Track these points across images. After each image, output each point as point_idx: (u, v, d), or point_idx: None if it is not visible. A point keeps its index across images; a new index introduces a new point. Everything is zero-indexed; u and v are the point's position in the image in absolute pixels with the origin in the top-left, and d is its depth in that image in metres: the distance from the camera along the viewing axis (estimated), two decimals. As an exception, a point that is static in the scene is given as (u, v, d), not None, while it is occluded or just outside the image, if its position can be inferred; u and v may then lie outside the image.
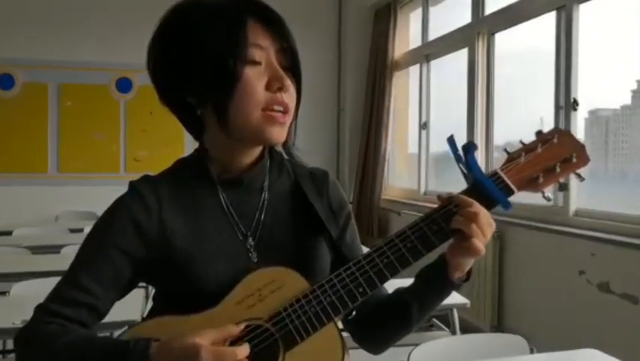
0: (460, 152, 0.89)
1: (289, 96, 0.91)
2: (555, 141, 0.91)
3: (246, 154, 0.96)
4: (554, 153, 0.90)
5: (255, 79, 0.87)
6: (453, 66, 4.40)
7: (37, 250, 3.28)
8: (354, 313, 0.98)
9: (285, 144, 0.98)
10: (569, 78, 3.06)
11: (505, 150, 0.93)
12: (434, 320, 2.90)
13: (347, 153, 5.60)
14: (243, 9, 0.88)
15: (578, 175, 0.91)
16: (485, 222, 0.85)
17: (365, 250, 1.00)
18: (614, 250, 2.62)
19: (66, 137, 5.23)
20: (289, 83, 0.90)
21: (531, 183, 0.90)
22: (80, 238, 1.02)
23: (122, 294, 0.93)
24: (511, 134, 3.72)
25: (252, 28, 0.88)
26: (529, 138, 0.94)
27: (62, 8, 5.12)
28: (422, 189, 4.80)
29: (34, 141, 5.16)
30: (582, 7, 3.05)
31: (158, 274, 0.93)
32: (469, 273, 0.93)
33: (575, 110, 3.04)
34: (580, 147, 0.91)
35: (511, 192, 0.89)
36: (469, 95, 3.99)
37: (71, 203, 5.10)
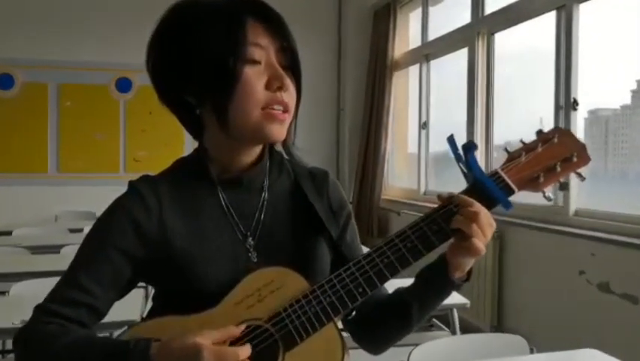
0: (460, 151, 0.89)
1: (289, 95, 0.90)
2: (556, 140, 0.90)
3: (246, 154, 0.95)
4: (555, 153, 0.90)
5: (254, 78, 0.87)
6: (453, 66, 4.40)
7: (36, 250, 3.28)
8: (354, 313, 0.98)
9: (284, 144, 0.98)
10: (569, 78, 3.06)
11: (506, 150, 0.93)
12: (434, 320, 2.90)
13: (347, 153, 5.60)
14: (243, 8, 0.88)
15: (579, 175, 0.91)
16: (486, 222, 0.84)
17: (365, 250, 1.00)
18: (614, 250, 2.62)
19: (66, 137, 5.22)
20: (289, 83, 0.90)
21: (531, 183, 0.90)
22: (80, 238, 1.02)
23: (121, 294, 0.93)
24: (511, 134, 3.72)
25: (252, 28, 0.87)
26: (529, 137, 0.94)
27: (62, 8, 5.12)
28: (422, 189, 4.80)
29: (34, 141, 5.16)
30: (582, 6, 3.05)
31: (157, 274, 0.93)
32: (469, 273, 0.92)
33: (575, 110, 3.04)
34: (580, 147, 0.90)
35: (512, 192, 0.89)
36: (469, 95, 3.99)
37: (71, 203, 5.11)
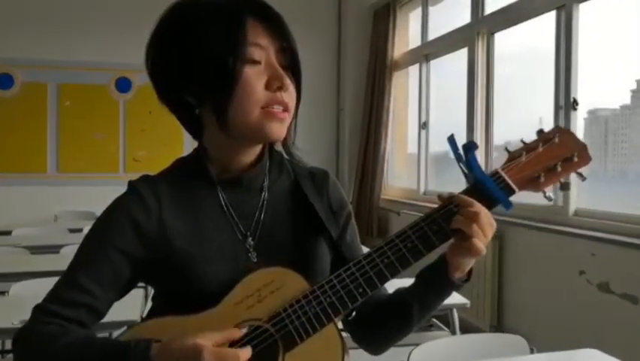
0: (461, 151, 0.89)
1: (289, 95, 0.90)
2: (556, 140, 0.90)
3: (246, 153, 0.95)
4: (555, 153, 0.90)
5: (254, 78, 0.87)
6: (452, 66, 4.40)
7: (36, 250, 3.28)
8: (354, 313, 0.97)
9: (284, 144, 0.98)
10: (569, 78, 3.06)
11: (506, 150, 0.92)
12: (434, 320, 2.90)
13: (346, 153, 5.60)
14: (243, 8, 0.88)
15: (580, 175, 0.91)
16: (486, 222, 0.84)
17: (365, 250, 1.00)
18: (614, 250, 2.62)
19: (65, 137, 5.22)
20: (289, 83, 0.90)
21: (532, 183, 0.90)
22: (79, 238, 1.02)
23: (120, 294, 0.93)
24: (511, 134, 3.72)
25: (252, 27, 0.87)
26: (529, 137, 0.94)
27: (62, 8, 5.12)
28: (422, 189, 4.80)
29: (34, 140, 5.16)
30: (582, 6, 3.05)
31: (157, 274, 0.93)
32: (469, 273, 0.92)
33: (575, 109, 3.04)
34: (581, 147, 0.90)
35: (512, 192, 0.88)
36: (469, 95, 3.99)
37: (70, 203, 5.10)
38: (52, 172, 5.20)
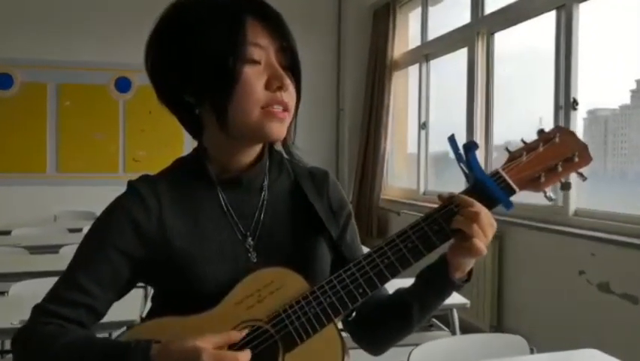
0: (461, 151, 0.89)
1: (289, 95, 0.90)
2: (557, 140, 0.90)
3: (246, 153, 0.95)
4: (556, 153, 0.90)
5: (254, 78, 0.87)
6: (452, 66, 4.40)
7: (35, 250, 3.28)
8: (354, 314, 0.97)
9: (284, 143, 0.98)
10: (569, 78, 3.06)
11: (507, 149, 0.92)
12: (434, 320, 2.90)
13: (346, 153, 5.60)
14: (243, 7, 0.88)
15: (580, 175, 0.91)
16: (486, 222, 0.84)
17: (365, 250, 1.00)
18: (614, 250, 2.62)
19: (65, 137, 5.22)
20: (289, 82, 0.90)
21: (533, 183, 0.89)
22: (79, 238, 1.02)
23: (120, 294, 0.93)
24: (511, 134, 3.73)
25: (252, 27, 0.87)
26: (528, 137, 0.94)
27: (62, 8, 5.12)
28: (421, 189, 4.80)
29: (33, 140, 5.16)
30: (582, 6, 3.04)
31: (157, 274, 0.93)
32: (470, 273, 0.92)
33: (575, 109, 3.04)
34: (582, 147, 0.90)
35: (513, 192, 0.88)
36: (469, 94, 3.99)
37: (70, 203, 5.10)
38: (52, 172, 5.20)
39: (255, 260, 0.93)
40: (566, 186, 0.91)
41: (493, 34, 3.86)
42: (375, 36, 5.29)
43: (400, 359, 1.46)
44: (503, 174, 0.88)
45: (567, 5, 3.09)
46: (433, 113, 4.77)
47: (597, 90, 3.11)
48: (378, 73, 5.13)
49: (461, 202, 0.86)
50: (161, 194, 0.93)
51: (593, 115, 3.26)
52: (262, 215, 0.97)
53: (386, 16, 5.08)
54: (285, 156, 1.03)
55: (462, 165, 0.90)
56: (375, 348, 1.02)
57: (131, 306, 1.91)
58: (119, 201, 0.93)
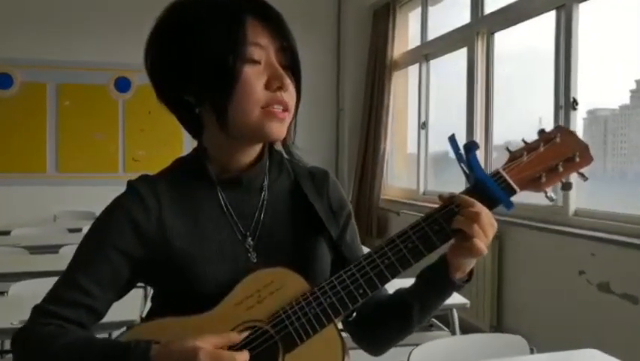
0: (462, 151, 0.89)
1: (289, 95, 0.90)
2: (558, 140, 0.90)
3: (246, 153, 0.95)
4: (557, 153, 0.89)
5: (254, 78, 0.87)
6: (452, 66, 4.40)
7: (35, 250, 3.27)
8: (354, 314, 0.97)
9: (284, 143, 0.98)
10: (569, 78, 3.06)
11: (507, 149, 0.92)
12: (434, 320, 2.90)
13: (346, 153, 5.60)
14: (243, 7, 0.87)
15: (581, 175, 0.90)
16: (487, 223, 0.84)
17: (364, 250, 1.00)
18: (614, 250, 2.62)
19: (65, 137, 5.22)
20: (289, 82, 0.90)
21: (533, 183, 0.89)
22: (79, 238, 1.01)
23: (120, 295, 0.92)
24: (511, 134, 3.72)
25: (252, 27, 0.87)
26: (528, 137, 0.93)
27: (61, 8, 5.11)
28: (421, 189, 4.79)
29: (33, 140, 5.15)
30: (582, 6, 3.04)
31: (156, 274, 0.93)
32: (470, 273, 0.92)
33: (575, 109, 3.04)
34: (583, 147, 0.90)
35: (514, 192, 0.88)
36: (469, 94, 3.99)
37: (70, 203, 5.10)
38: (52, 172, 5.20)
39: (254, 260, 0.93)
40: (566, 187, 0.90)
41: (492, 34, 3.86)
42: (374, 36, 5.29)
43: (400, 359, 1.46)
44: (504, 174, 0.88)
45: (567, 5, 3.09)
46: (433, 113, 4.77)
47: (597, 90, 3.11)
48: (378, 73, 5.13)
49: (462, 202, 0.86)
50: (160, 194, 0.92)
51: (592, 115, 3.26)
52: (262, 215, 0.96)
53: (386, 16, 5.08)
54: (285, 155, 1.02)
55: (462, 165, 0.90)
56: (376, 348, 1.02)
57: (130, 306, 1.90)
58: (118, 201, 0.93)
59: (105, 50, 5.17)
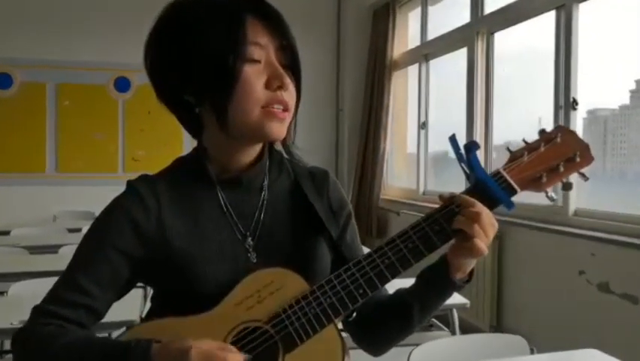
0: (462, 151, 0.88)
1: (289, 95, 0.90)
2: (558, 140, 0.90)
3: (246, 153, 0.95)
4: (558, 153, 0.89)
5: (254, 77, 0.86)
6: (452, 66, 4.40)
7: (35, 250, 3.27)
8: (354, 314, 0.97)
9: (284, 143, 0.97)
10: (569, 78, 3.06)
11: (508, 149, 0.92)
12: (434, 320, 2.89)
13: (346, 153, 5.60)
14: (242, 6, 0.87)
15: (582, 175, 0.90)
16: (488, 223, 0.84)
17: (364, 250, 1.00)
18: (614, 250, 2.62)
19: (64, 136, 5.21)
20: (289, 82, 0.90)
21: (534, 183, 0.89)
22: (78, 238, 1.01)
23: (119, 295, 0.92)
24: (511, 134, 3.72)
25: (251, 26, 0.87)
26: (528, 137, 0.93)
27: (61, 8, 5.11)
28: (421, 189, 4.79)
29: (32, 140, 5.15)
30: (582, 6, 3.04)
31: (156, 274, 0.92)
32: (470, 274, 0.92)
33: (575, 109, 3.04)
34: (584, 147, 0.90)
35: (514, 192, 0.88)
36: (468, 94, 3.99)
37: (69, 203, 5.09)
38: (51, 172, 5.20)
39: (254, 260, 0.93)
40: (567, 187, 0.90)
41: (492, 34, 3.86)
42: (374, 36, 5.29)
43: (400, 359, 1.46)
44: (504, 174, 0.88)
45: (567, 5, 3.09)
46: (433, 113, 4.77)
47: (597, 90, 3.11)
48: (377, 73, 5.13)
49: (462, 202, 0.85)
50: (160, 194, 0.92)
51: (592, 115, 3.26)
52: (262, 215, 0.96)
53: (386, 16, 5.08)
54: (285, 155, 1.02)
55: (463, 164, 0.89)
56: (376, 349, 1.02)
57: (130, 306, 1.90)
58: (118, 201, 0.93)
59: (105, 50, 5.17)
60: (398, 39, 5.08)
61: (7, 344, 2.62)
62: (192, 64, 0.87)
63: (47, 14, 5.09)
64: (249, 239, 0.94)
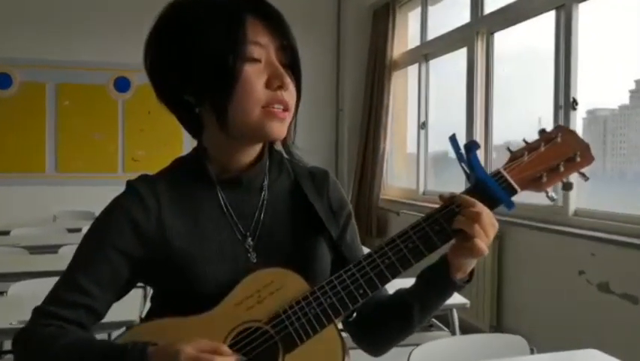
0: (462, 151, 0.88)
1: (289, 94, 0.90)
2: (559, 139, 0.89)
3: (246, 153, 0.95)
4: (558, 152, 0.89)
5: (254, 77, 0.86)
6: (452, 66, 4.40)
7: (34, 250, 3.27)
8: (354, 314, 0.97)
9: (284, 143, 0.97)
10: (569, 78, 3.06)
11: (508, 149, 0.92)
12: (434, 320, 2.90)
13: (346, 153, 5.60)
14: (242, 6, 0.87)
15: (582, 174, 0.90)
16: (488, 223, 0.83)
17: (364, 250, 0.99)
18: (614, 250, 2.62)
19: (64, 136, 5.21)
20: (289, 81, 0.89)
21: (534, 183, 0.89)
22: (78, 238, 1.01)
23: (119, 295, 0.92)
24: (510, 134, 3.72)
25: (252, 26, 0.87)
26: (528, 137, 0.93)
27: (60, 8, 5.11)
28: (421, 189, 4.79)
29: (32, 140, 5.15)
30: (581, 6, 3.04)
31: (156, 274, 0.92)
32: (471, 274, 0.92)
33: (575, 109, 3.04)
34: (584, 146, 0.89)
35: (515, 192, 0.88)
36: (468, 94, 3.99)
37: (69, 203, 5.09)
38: (51, 172, 5.19)
39: (254, 260, 0.93)
40: (567, 186, 0.90)
41: (492, 34, 3.86)
42: (374, 36, 5.29)
43: (400, 359, 1.46)
44: (505, 173, 0.88)
45: (567, 5, 3.09)
46: (433, 113, 4.77)
47: (596, 90, 3.11)
48: (377, 73, 5.13)
49: (462, 202, 0.85)
50: (160, 194, 0.92)
51: (592, 115, 3.26)
52: (262, 215, 0.96)
53: (385, 16, 5.08)
54: (285, 155, 1.02)
55: (463, 164, 0.89)
56: (376, 349, 1.02)
57: (130, 306, 1.90)
58: (117, 201, 0.92)
59: (105, 50, 5.16)
60: (398, 39, 5.08)
61: (7, 344, 2.62)
62: (192, 64, 0.87)
63: (47, 14, 5.09)
64: (249, 239, 0.94)
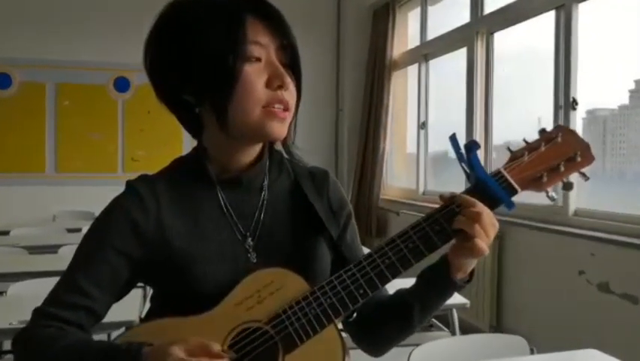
0: (463, 151, 0.88)
1: (289, 94, 0.89)
2: (559, 139, 0.89)
3: (246, 153, 0.94)
4: (558, 152, 0.89)
5: (254, 77, 0.86)
6: (452, 66, 4.40)
7: (34, 250, 3.27)
8: (354, 315, 0.97)
9: (284, 143, 0.97)
10: (569, 78, 3.06)
11: (509, 149, 0.92)
12: (434, 320, 2.90)
13: (345, 153, 5.60)
14: (242, 5, 0.87)
15: (583, 174, 0.90)
16: (488, 223, 0.83)
17: (364, 250, 0.99)
18: (614, 250, 2.62)
19: (64, 136, 5.21)
20: (289, 81, 0.89)
21: (535, 183, 0.89)
22: (78, 238, 1.01)
23: (119, 296, 0.92)
24: (510, 134, 3.72)
25: (252, 25, 0.86)
26: (528, 137, 0.93)
27: (60, 8, 5.10)
28: (421, 189, 4.79)
29: (32, 140, 5.14)
30: (581, 6, 3.04)
31: (156, 275, 0.92)
32: (471, 274, 0.91)
33: (575, 109, 3.04)
34: (584, 146, 0.89)
35: (515, 192, 0.87)
36: (468, 94, 3.99)
37: (69, 203, 5.09)
38: (51, 172, 5.19)
39: (254, 260, 0.93)
40: (567, 186, 0.90)
41: (492, 34, 3.86)
42: (374, 36, 5.29)
43: (400, 359, 1.46)
44: (505, 173, 0.88)
45: (566, 5, 3.09)
46: (433, 113, 4.76)
47: (596, 90, 3.11)
48: (377, 73, 5.13)
49: (463, 202, 0.85)
50: (159, 194, 0.92)
51: (592, 115, 3.26)
52: (262, 215, 0.96)
53: (385, 16, 5.08)
54: (285, 155, 1.02)
55: (463, 164, 0.89)
56: (376, 349, 1.02)
57: (130, 306, 1.90)
58: (117, 201, 0.92)
59: (104, 50, 5.16)
60: (398, 39, 5.08)
61: (7, 345, 2.62)
62: (192, 63, 0.87)
63: (47, 14, 5.08)
64: (249, 239, 0.94)
